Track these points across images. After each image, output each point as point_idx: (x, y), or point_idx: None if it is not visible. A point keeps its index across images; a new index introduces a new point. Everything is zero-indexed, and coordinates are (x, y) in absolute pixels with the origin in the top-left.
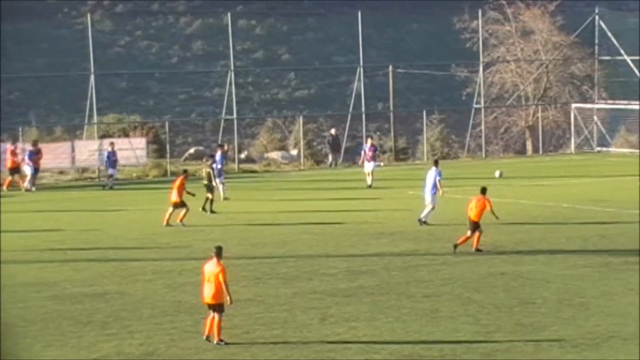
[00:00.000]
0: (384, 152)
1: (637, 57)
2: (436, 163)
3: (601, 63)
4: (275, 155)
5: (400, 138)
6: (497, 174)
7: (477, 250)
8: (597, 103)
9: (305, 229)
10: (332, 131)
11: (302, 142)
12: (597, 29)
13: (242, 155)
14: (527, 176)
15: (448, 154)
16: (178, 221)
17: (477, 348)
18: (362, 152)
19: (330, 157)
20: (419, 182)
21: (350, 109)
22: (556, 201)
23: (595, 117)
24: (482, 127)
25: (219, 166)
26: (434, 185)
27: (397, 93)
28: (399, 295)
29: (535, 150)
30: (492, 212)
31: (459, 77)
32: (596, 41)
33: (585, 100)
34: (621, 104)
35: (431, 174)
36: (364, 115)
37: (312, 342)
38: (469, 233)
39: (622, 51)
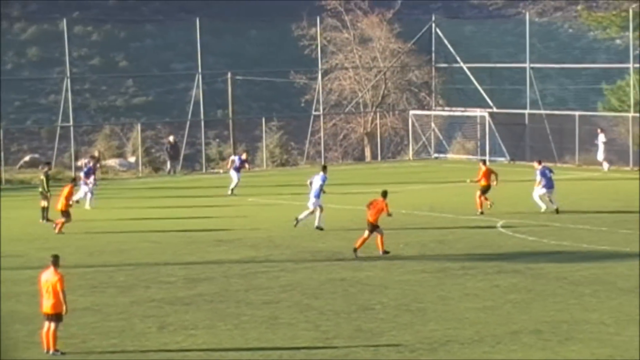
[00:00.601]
0: (222, 159)
1: (473, 65)
2: (324, 169)
3: (438, 70)
4: (112, 162)
5: (240, 145)
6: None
7: (385, 252)
8: (434, 110)
9: (143, 236)
10: (171, 138)
11: (140, 150)
12: (433, 36)
13: (79, 163)
14: (366, 183)
15: (287, 161)
16: (56, 231)
17: (316, 354)
18: (236, 160)
19: (168, 165)
20: (258, 189)
21: (189, 116)
22: (395, 207)
23: (432, 124)
24: (321, 133)
25: (87, 176)
26: (319, 190)
27: (236, 100)
28: (238, 303)
29: (374, 156)
30: (388, 214)
31: (297, 84)
32: (433, 49)
33: (422, 107)
34: (458, 111)
35: (317, 179)
36: (202, 122)
37: (150, 351)
38: (366, 234)
39: (458, 59)
